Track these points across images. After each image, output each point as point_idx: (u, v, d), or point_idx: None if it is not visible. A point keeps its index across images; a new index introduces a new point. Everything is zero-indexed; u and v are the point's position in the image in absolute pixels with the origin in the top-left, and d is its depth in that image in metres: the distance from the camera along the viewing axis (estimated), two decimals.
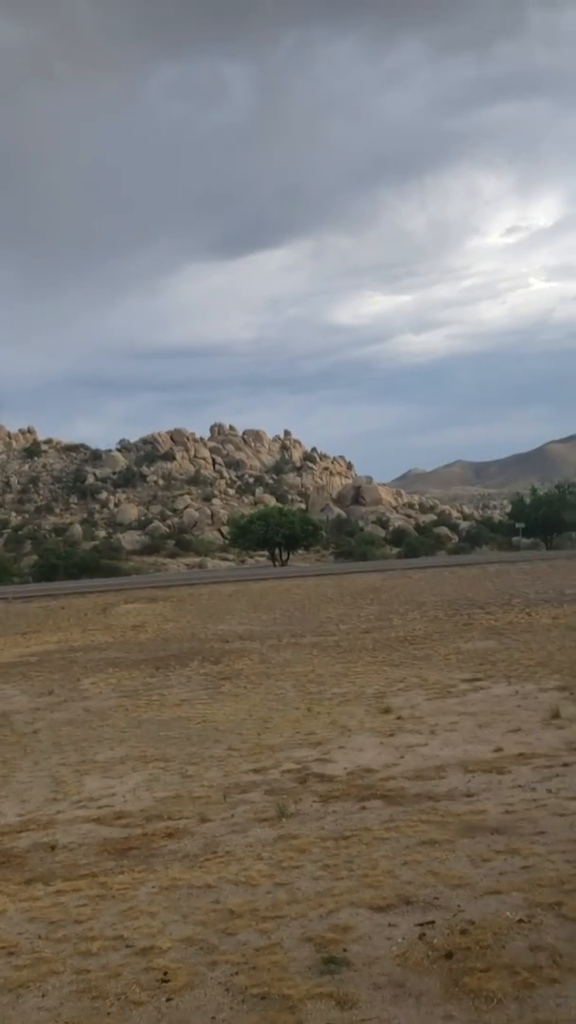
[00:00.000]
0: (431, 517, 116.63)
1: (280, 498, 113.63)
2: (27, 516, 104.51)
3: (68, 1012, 5.78)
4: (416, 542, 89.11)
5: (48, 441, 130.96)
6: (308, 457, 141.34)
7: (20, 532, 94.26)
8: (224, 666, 22.61)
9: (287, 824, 9.66)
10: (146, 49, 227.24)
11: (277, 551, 66.20)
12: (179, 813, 10.53)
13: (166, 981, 6.09)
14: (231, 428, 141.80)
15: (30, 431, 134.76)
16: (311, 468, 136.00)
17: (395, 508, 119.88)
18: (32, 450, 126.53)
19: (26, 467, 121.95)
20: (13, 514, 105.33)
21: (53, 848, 9.57)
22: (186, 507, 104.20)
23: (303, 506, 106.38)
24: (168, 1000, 5.82)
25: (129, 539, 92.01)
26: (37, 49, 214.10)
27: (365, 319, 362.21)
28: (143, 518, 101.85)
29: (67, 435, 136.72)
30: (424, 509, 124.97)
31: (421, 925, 6.62)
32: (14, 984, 6.19)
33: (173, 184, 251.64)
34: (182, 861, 8.76)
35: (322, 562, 77.92)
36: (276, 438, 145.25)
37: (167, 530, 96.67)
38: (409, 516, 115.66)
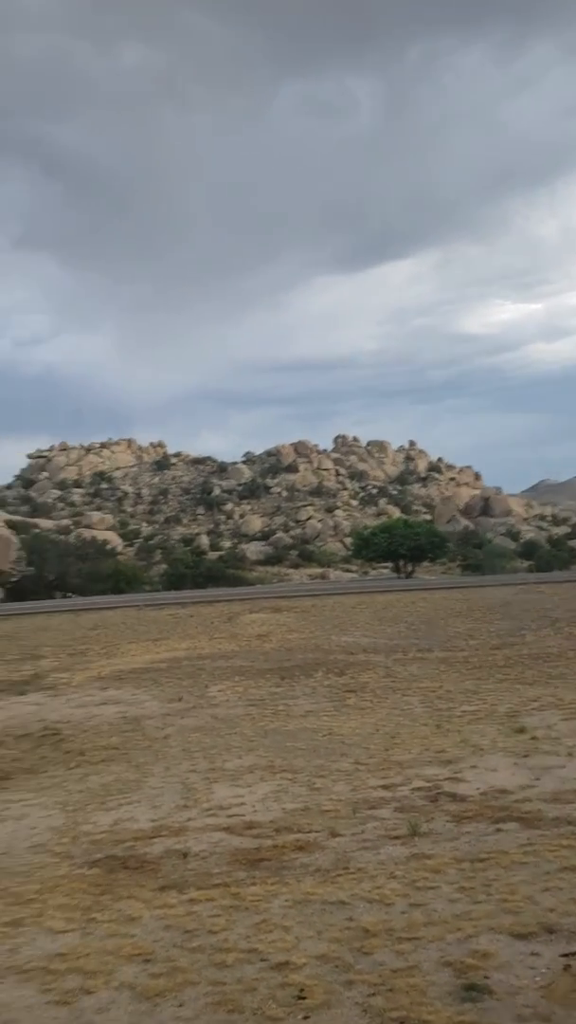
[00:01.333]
0: (564, 529, 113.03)
1: (404, 509, 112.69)
2: (157, 526, 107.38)
3: None
4: (548, 555, 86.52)
5: (177, 454, 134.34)
6: (433, 467, 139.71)
7: (150, 542, 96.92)
8: (349, 678, 22.47)
9: (419, 843, 9.44)
10: (274, 67, 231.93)
11: (402, 563, 65.56)
12: (309, 826, 10.45)
13: (302, 998, 6.01)
14: (354, 439, 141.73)
15: (160, 445, 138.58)
16: (437, 479, 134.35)
17: (526, 520, 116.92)
18: (162, 463, 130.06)
19: (156, 479, 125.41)
20: (144, 524, 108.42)
21: (185, 856, 9.66)
22: (309, 518, 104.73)
23: (428, 517, 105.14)
24: (305, 1018, 5.74)
25: (253, 550, 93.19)
26: (170, 72, 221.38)
27: (494, 328, 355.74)
28: (267, 529, 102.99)
29: (194, 448, 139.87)
30: (557, 521, 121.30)
31: (566, 956, 6.31)
32: (151, 992, 6.24)
33: (300, 199, 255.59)
34: (314, 875, 8.67)
35: (449, 575, 76.74)
36: (400, 449, 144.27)
37: (290, 541, 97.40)
38: (541, 528, 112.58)
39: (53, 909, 8.10)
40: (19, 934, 7.53)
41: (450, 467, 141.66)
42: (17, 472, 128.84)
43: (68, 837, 10.82)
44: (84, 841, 10.59)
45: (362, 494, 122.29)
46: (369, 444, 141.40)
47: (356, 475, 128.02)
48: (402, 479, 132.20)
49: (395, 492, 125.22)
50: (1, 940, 7.41)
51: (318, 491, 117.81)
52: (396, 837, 9.71)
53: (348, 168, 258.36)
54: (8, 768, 15.59)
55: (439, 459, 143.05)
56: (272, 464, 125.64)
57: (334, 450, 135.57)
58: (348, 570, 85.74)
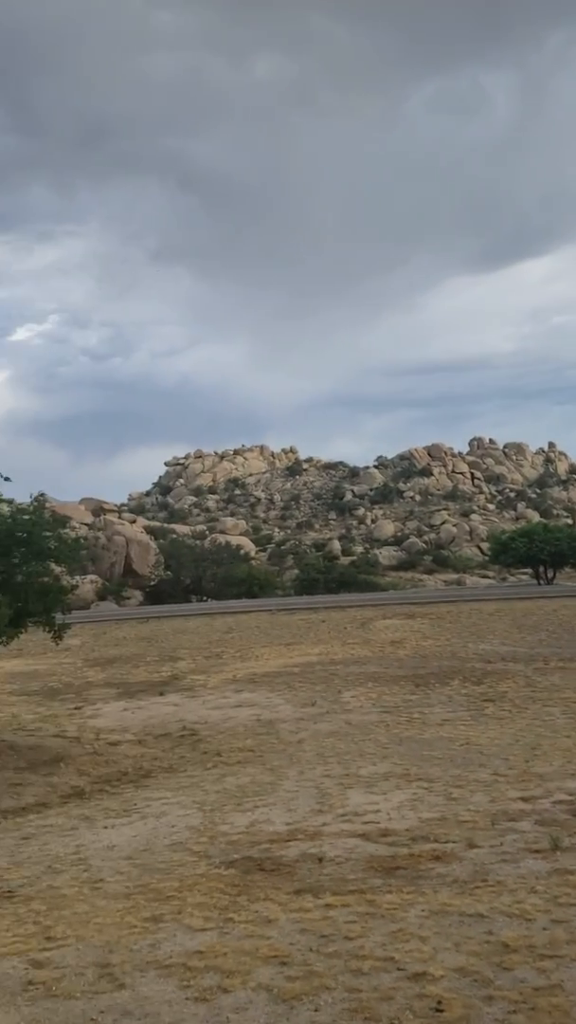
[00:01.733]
0: None
1: (544, 513, 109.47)
2: (289, 532, 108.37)
3: None
4: None
5: (309, 460, 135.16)
6: (575, 470, 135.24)
7: (283, 547, 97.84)
8: (487, 687, 21.99)
9: (562, 858, 9.12)
10: (407, 69, 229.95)
11: (542, 569, 63.65)
12: (445, 836, 10.27)
13: (440, 1011, 5.89)
14: (491, 441, 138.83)
15: (292, 451, 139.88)
16: None
17: None
18: (294, 469, 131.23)
19: (288, 485, 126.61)
20: (276, 530, 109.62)
21: (321, 860, 9.67)
22: (443, 523, 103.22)
23: (570, 521, 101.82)
24: None
25: (386, 555, 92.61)
26: (302, 81, 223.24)
27: None
28: (399, 534, 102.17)
29: (326, 454, 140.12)
30: None
31: None
32: (287, 995, 6.26)
33: (433, 200, 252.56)
34: (451, 886, 8.51)
35: None
36: (539, 451, 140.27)
37: (424, 546, 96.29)
38: None
39: (192, 907, 8.26)
40: (159, 930, 7.72)
41: None
42: (155, 480, 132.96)
43: (206, 837, 11.02)
44: (221, 841, 10.77)
45: (499, 498, 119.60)
46: (506, 446, 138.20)
47: (493, 478, 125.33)
48: (541, 482, 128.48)
49: (534, 496, 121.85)
50: (142, 935, 7.61)
51: (453, 495, 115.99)
52: (537, 851, 9.42)
53: (482, 166, 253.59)
54: (149, 766, 16.05)
55: None
56: (405, 468, 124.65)
57: (469, 453, 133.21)
58: (485, 576, 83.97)
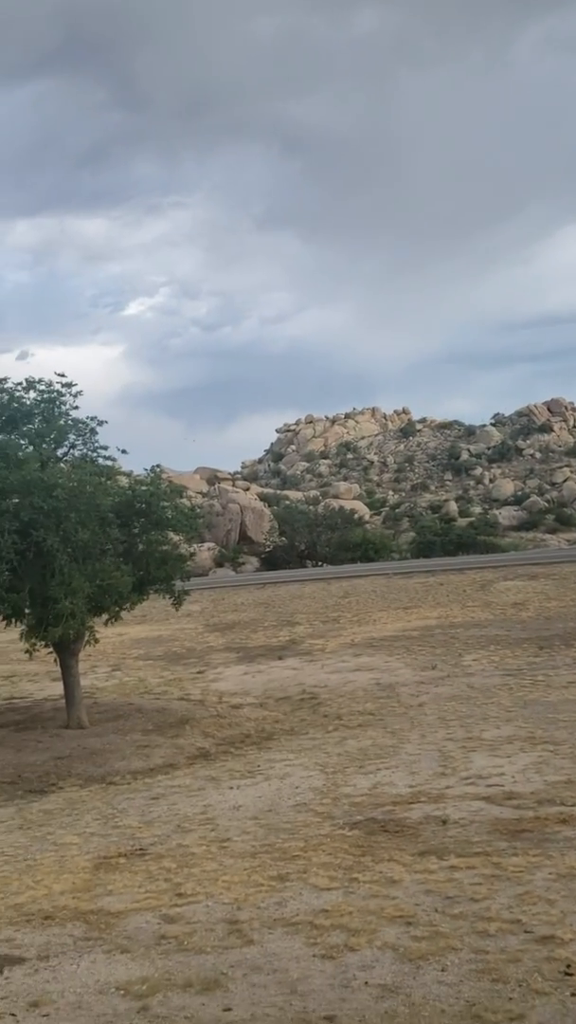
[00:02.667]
0: None
1: None
2: (403, 494, 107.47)
3: (468, 991, 5.72)
4: None
5: (422, 420, 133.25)
6: None
7: (397, 510, 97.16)
8: None
9: None
10: (513, 9, 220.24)
11: None
12: (572, 799, 10.07)
13: (569, 974, 5.81)
14: None
15: (405, 411, 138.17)
16: None
17: None
18: (407, 430, 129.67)
19: (401, 447, 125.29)
20: (390, 493, 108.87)
21: (445, 823, 9.63)
22: (566, 480, 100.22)
23: None
24: (573, 995, 5.54)
25: (505, 515, 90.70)
26: (404, 33, 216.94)
27: None
28: (519, 493, 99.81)
29: (440, 413, 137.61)
30: None
31: None
32: (414, 955, 6.28)
33: (545, 147, 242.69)
34: None
35: None
36: None
37: (545, 505, 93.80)
38: None
39: (317, 867, 8.38)
40: (285, 888, 7.87)
41: None
42: (267, 447, 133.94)
43: (329, 798, 11.14)
44: (344, 803, 10.86)
45: None
46: None
47: None
48: None
49: None
50: (269, 893, 7.77)
51: (575, 451, 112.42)
52: None
53: None
54: (271, 729, 16.32)
55: None
56: (524, 425, 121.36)
57: None
58: None
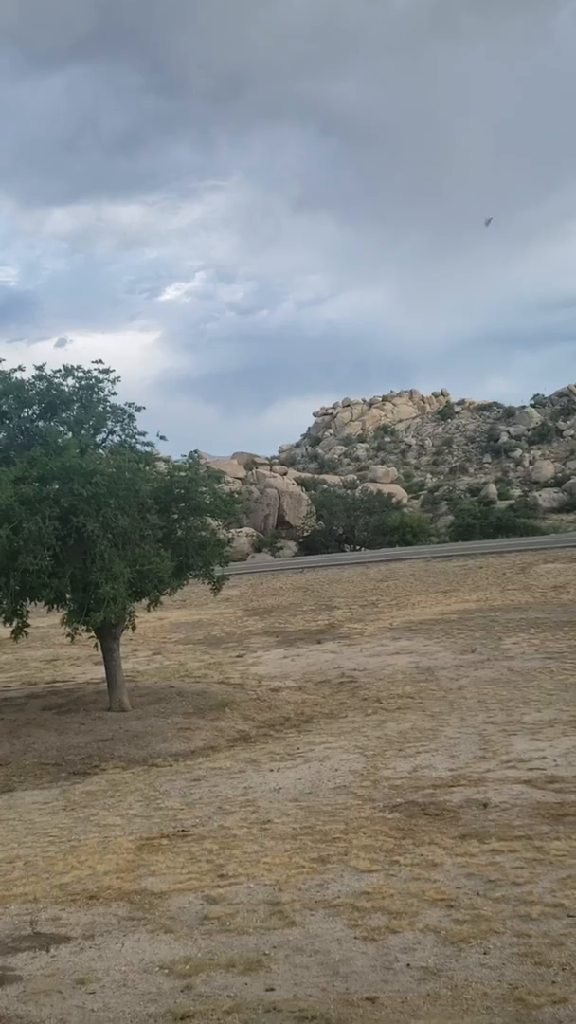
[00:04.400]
0: None
1: None
2: (442, 477, 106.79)
3: (511, 974, 5.72)
4: None
5: (461, 402, 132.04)
6: None
7: (436, 493, 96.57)
8: None
9: None
10: None
11: None
12: None
13: None
14: None
15: (443, 394, 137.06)
16: None
17: None
18: (445, 412, 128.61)
19: (440, 429, 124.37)
20: (429, 476, 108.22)
21: (486, 806, 9.61)
22: None
23: None
24: None
25: (546, 497, 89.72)
26: (442, 7, 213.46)
27: None
28: (560, 475, 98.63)
29: (479, 395, 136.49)
30: None
31: None
32: (456, 938, 6.29)
33: None
34: None
35: None
36: None
37: None
38: None
39: (357, 849, 8.40)
40: (327, 870, 7.90)
41: None
42: (304, 431, 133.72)
43: (369, 780, 11.16)
44: (384, 785, 10.87)
45: None
46: None
47: None
48: None
49: None
50: (310, 875, 7.82)
51: None
52: None
53: None
54: (310, 712, 16.37)
55: None
56: (564, 405, 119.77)
57: None
58: None
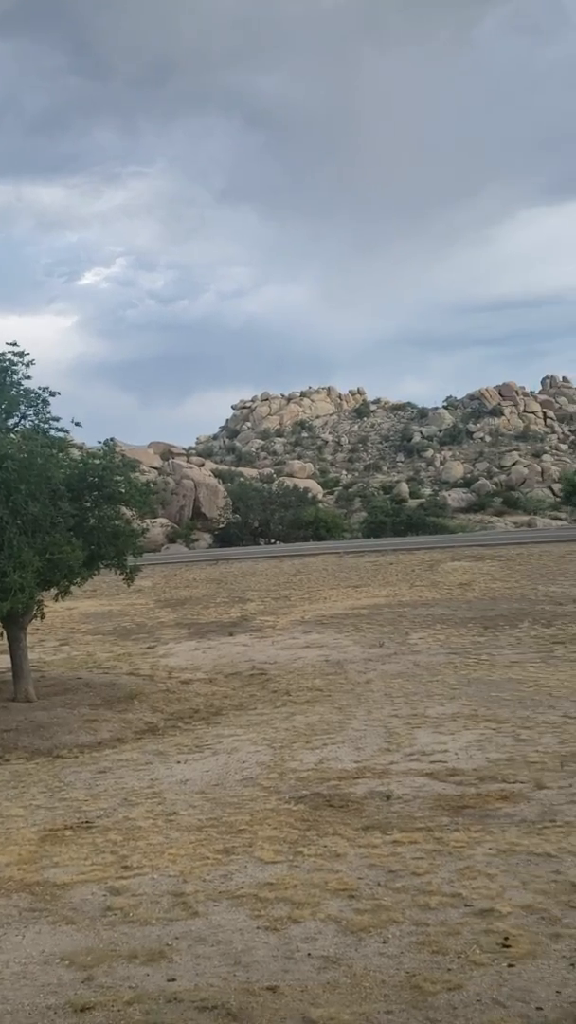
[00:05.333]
0: None
1: None
2: (356, 474, 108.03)
3: (409, 962, 5.87)
4: None
5: (376, 401, 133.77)
6: None
7: (350, 490, 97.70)
8: (557, 629, 21.77)
9: None
10: None
11: None
12: (513, 776, 10.30)
13: (507, 947, 5.98)
14: (564, 380, 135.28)
15: (360, 392, 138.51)
16: None
17: None
18: (361, 410, 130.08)
19: (355, 427, 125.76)
20: (344, 472, 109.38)
21: (389, 798, 9.80)
22: (514, 464, 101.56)
23: None
24: (510, 966, 5.71)
25: (455, 497, 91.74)
26: (372, 7, 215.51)
27: None
28: (469, 475, 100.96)
29: (394, 394, 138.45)
30: None
31: None
32: (356, 927, 6.41)
33: (505, 128, 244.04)
34: (519, 826, 8.56)
35: None
36: None
37: (494, 488, 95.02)
38: None
39: (262, 840, 8.48)
40: (231, 862, 7.95)
41: None
42: (222, 423, 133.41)
43: (276, 772, 11.26)
44: (291, 777, 10.98)
45: (572, 437, 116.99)
46: None
47: (566, 418, 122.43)
48: None
49: None
50: (215, 866, 7.86)
51: (524, 435, 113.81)
52: None
53: (559, 90, 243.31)
54: (220, 704, 16.40)
55: None
56: (475, 408, 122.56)
57: (542, 392, 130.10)
58: (556, 517, 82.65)
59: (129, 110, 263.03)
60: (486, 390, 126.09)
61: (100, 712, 15.69)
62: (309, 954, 6.05)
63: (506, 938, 6.09)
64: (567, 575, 32.22)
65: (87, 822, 9.63)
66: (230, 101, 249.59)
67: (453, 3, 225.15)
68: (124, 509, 18.09)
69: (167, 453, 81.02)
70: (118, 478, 17.43)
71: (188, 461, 79.30)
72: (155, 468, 70.65)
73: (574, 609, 24.77)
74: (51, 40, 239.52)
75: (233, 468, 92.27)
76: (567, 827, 8.39)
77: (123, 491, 17.44)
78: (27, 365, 17.28)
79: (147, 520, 22.36)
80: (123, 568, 18.06)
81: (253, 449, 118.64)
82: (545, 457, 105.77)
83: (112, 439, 18.99)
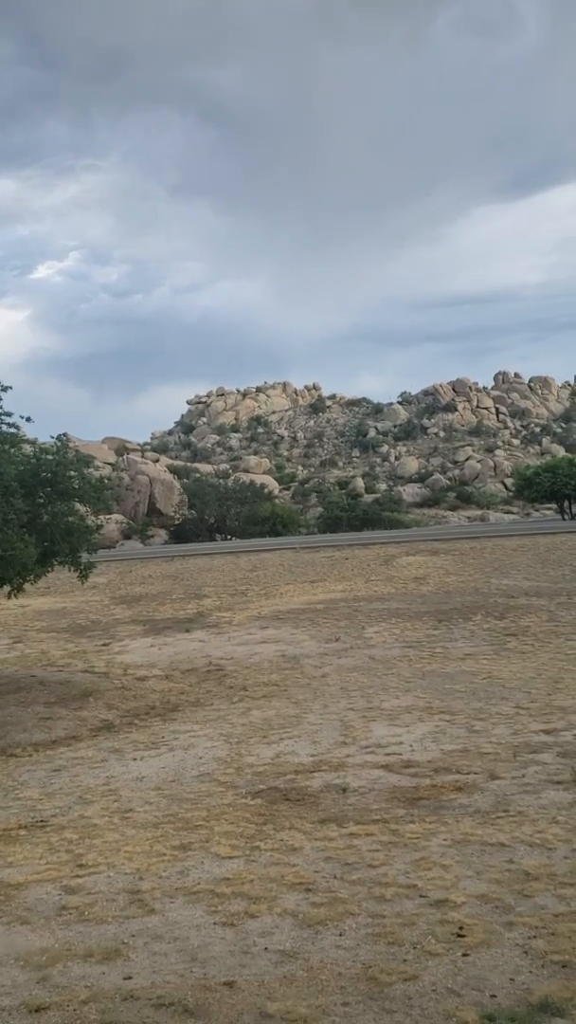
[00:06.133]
0: None
1: (570, 448, 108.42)
2: (312, 470, 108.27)
3: (365, 954, 5.90)
4: None
5: (332, 396, 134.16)
6: None
7: (306, 485, 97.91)
8: (509, 622, 22.06)
9: None
10: None
11: (566, 504, 63.29)
12: (467, 767, 10.42)
13: (462, 936, 6.04)
14: (516, 376, 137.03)
15: (315, 387, 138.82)
16: None
17: None
18: (317, 406, 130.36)
19: (311, 423, 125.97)
20: (300, 468, 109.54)
21: (345, 791, 9.85)
22: (467, 459, 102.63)
23: None
24: (464, 955, 5.77)
25: (409, 492, 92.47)
26: (326, 6, 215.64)
27: None
28: (423, 471, 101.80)
29: (350, 390, 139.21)
30: None
31: None
32: (312, 920, 6.44)
33: (459, 126, 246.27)
34: (473, 816, 8.66)
35: None
36: (566, 384, 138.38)
37: (448, 483, 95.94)
38: None
39: (219, 836, 8.46)
40: (188, 857, 7.93)
41: None
42: (178, 418, 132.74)
43: (233, 768, 11.25)
44: (247, 772, 10.98)
45: (524, 433, 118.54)
46: (532, 380, 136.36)
47: (518, 413, 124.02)
48: (567, 416, 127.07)
49: (559, 430, 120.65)
50: (171, 862, 7.83)
51: (477, 431, 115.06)
52: (558, 782, 9.54)
53: (511, 90, 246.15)
54: (176, 700, 16.33)
55: None
56: (429, 404, 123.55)
57: (494, 387, 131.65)
58: (509, 512, 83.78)
59: (82, 103, 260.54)
60: (440, 386, 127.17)
61: (55, 710, 15.54)
62: (266, 948, 6.06)
63: (461, 928, 6.16)
64: (519, 568, 32.65)
65: (41, 821, 9.53)
66: (185, 96, 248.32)
67: (406, 2, 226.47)
68: (78, 505, 17.94)
69: (122, 448, 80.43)
70: (72, 474, 17.27)
71: (143, 456, 78.79)
72: (109, 464, 70.10)
73: (526, 602, 25.11)
74: (1, 29, 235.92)
75: (189, 464, 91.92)
76: (520, 817, 8.50)
77: (77, 487, 17.28)
78: None
79: (101, 516, 22.22)
80: (77, 565, 17.90)
81: (209, 445, 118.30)
82: (498, 452, 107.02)
83: (65, 434, 18.81)
